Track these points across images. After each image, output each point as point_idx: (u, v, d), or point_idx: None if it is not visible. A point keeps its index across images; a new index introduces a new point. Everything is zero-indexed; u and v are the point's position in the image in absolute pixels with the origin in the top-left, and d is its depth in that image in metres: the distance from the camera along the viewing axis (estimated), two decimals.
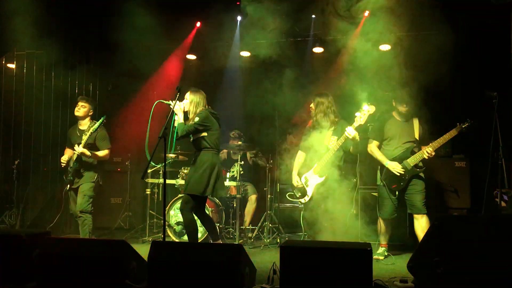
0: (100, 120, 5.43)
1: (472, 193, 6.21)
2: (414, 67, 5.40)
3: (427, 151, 4.96)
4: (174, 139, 4.94)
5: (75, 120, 5.77)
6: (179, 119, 4.91)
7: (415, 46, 6.13)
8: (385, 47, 6.60)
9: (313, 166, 5.20)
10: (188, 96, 5.04)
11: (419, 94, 5.07)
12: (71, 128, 5.87)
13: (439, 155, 5.19)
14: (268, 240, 6.15)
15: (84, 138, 5.35)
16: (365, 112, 4.93)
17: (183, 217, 4.93)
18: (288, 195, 5.62)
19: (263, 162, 7.13)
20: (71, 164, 5.53)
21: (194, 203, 4.88)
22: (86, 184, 5.51)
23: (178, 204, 6.21)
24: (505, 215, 4.71)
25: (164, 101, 4.82)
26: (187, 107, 5.00)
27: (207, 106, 5.08)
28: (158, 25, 6.82)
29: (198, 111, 4.97)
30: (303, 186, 5.27)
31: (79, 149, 5.31)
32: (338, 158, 5.15)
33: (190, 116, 4.99)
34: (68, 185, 5.55)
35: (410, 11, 5.77)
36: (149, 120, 4.76)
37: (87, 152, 5.35)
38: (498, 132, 4.52)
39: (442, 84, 5.87)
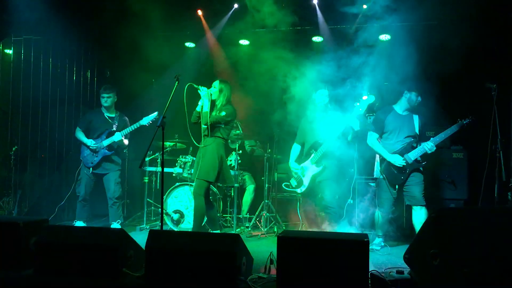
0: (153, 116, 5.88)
1: (469, 184, 6.22)
2: (414, 59, 5.36)
3: (428, 146, 4.95)
4: (206, 125, 4.99)
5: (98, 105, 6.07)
6: (205, 106, 4.98)
7: (416, 37, 6.08)
8: (385, 37, 6.56)
9: (310, 156, 5.21)
10: (218, 85, 5.12)
11: (421, 86, 5.06)
12: (93, 112, 6.27)
13: (437, 146, 5.18)
14: (265, 229, 6.16)
15: (127, 129, 5.92)
16: (364, 102, 4.93)
17: (195, 200, 5.02)
18: (284, 185, 5.64)
19: (260, 151, 7.13)
20: (96, 148, 5.91)
21: (207, 188, 5.04)
22: (116, 172, 6.00)
23: (175, 193, 6.23)
24: (503, 206, 4.72)
25: (194, 85, 4.88)
26: (215, 95, 5.07)
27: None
28: (157, 12, 6.75)
29: (225, 102, 5.08)
30: (299, 176, 5.28)
31: (119, 136, 5.85)
32: (336, 147, 5.16)
33: (218, 104, 5.08)
34: (91, 168, 5.73)
35: (410, 1, 5.72)
36: (185, 103, 4.80)
37: (127, 142, 5.99)
38: (497, 124, 4.51)
39: (443, 76, 5.84)
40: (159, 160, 6.69)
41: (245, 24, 7.03)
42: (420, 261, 3.26)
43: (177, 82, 4.59)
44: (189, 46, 8.06)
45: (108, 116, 6.06)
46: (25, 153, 7.28)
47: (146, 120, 5.82)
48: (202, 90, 4.98)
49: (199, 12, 7.48)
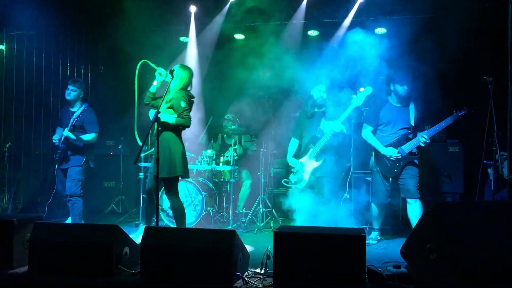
0: (82, 107, 5.58)
1: (465, 178, 6.22)
2: (410, 52, 5.34)
3: (422, 138, 4.93)
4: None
5: (67, 101, 5.75)
6: (153, 86, 4.76)
7: (411, 30, 6.06)
8: (381, 31, 6.54)
9: (309, 151, 5.19)
10: (177, 69, 4.83)
11: (415, 79, 5.03)
12: (63, 108, 5.92)
13: (433, 140, 5.18)
14: (261, 225, 6.15)
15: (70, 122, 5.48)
16: (362, 94, 4.92)
17: (172, 202, 4.78)
18: (284, 181, 5.60)
19: (254, 147, 7.11)
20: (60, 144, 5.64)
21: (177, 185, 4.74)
22: (73, 168, 5.61)
23: None
24: (499, 201, 4.72)
25: (150, 63, 4.59)
26: (170, 78, 4.67)
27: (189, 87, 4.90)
28: (151, 6, 6.70)
29: (181, 87, 4.77)
30: (299, 171, 5.26)
31: (65, 132, 5.44)
32: (334, 141, 5.15)
33: (173, 91, 4.77)
34: (57, 165, 5.62)
35: None
36: (135, 83, 4.52)
37: (72, 136, 5.45)
38: (494, 118, 4.49)
39: (439, 69, 5.82)
40: (154, 156, 6.65)
41: (240, 18, 6.99)
42: (417, 256, 3.25)
43: (171, 77, 4.53)
44: (184, 40, 8.01)
45: (71, 111, 5.73)
46: (19, 149, 7.24)
47: (78, 112, 5.52)
48: (161, 71, 4.70)
49: (192, 9, 7.42)
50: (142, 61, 4.53)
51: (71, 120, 5.49)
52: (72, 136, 5.46)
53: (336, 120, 5.03)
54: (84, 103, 5.70)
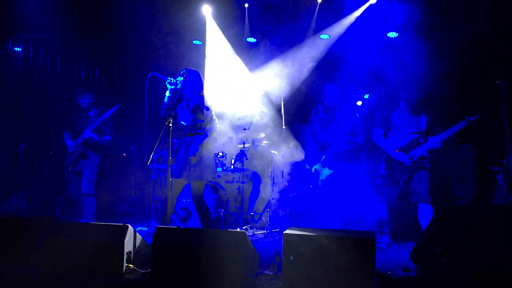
0: (99, 110, 5.74)
1: (478, 182, 6.17)
2: (422, 55, 5.32)
3: (434, 142, 4.90)
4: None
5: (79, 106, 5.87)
6: (167, 97, 4.84)
7: (424, 33, 6.03)
8: (393, 35, 6.52)
9: (322, 158, 5.21)
10: (193, 76, 4.93)
11: (427, 83, 5.02)
12: (75, 114, 6.05)
13: (445, 144, 5.14)
14: (271, 226, 6.14)
15: (94, 124, 5.62)
16: (366, 101, 4.93)
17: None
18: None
19: (263, 147, 7.12)
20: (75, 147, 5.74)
21: None
22: (90, 168, 5.75)
23: (182, 190, 6.20)
24: (510, 205, 4.68)
25: (158, 75, 4.61)
26: (183, 85, 4.81)
27: None
28: (165, 9, 6.76)
29: (199, 94, 4.90)
30: (316, 177, 5.29)
31: (89, 132, 5.57)
32: (345, 148, 5.16)
33: (190, 97, 4.91)
34: (70, 167, 5.70)
35: None
36: (146, 97, 4.53)
37: (96, 136, 5.62)
38: (506, 122, 4.47)
39: (451, 73, 5.79)
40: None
41: (252, 22, 7.02)
42: (427, 259, 3.24)
43: (184, 80, 4.58)
44: (197, 43, 8.05)
45: (86, 116, 5.88)
46: (34, 150, 7.34)
47: (108, 113, 5.64)
48: (169, 80, 4.74)
49: (206, 11, 7.45)
50: (151, 74, 4.55)
51: (96, 122, 5.62)
52: (96, 136, 5.64)
53: (344, 127, 5.05)
54: (98, 107, 5.85)
